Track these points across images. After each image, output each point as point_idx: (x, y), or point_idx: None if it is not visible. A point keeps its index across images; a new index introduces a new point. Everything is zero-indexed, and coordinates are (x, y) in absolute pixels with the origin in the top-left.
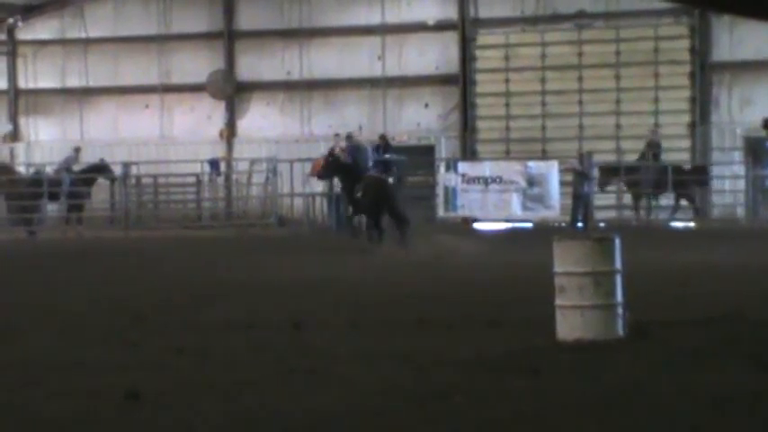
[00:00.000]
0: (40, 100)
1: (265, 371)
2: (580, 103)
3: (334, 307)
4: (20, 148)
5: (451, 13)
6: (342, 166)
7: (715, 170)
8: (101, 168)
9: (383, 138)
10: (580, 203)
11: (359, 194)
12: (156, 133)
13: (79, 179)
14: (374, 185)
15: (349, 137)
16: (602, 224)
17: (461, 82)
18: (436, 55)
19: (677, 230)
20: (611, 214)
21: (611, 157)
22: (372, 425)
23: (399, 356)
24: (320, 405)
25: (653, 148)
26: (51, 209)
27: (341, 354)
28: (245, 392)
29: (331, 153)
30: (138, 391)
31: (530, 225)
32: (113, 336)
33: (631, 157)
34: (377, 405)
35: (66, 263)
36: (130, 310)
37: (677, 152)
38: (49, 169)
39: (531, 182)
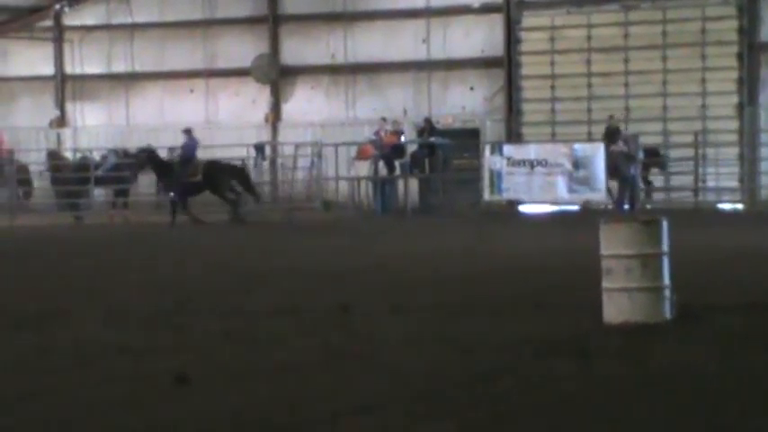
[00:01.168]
0: (86, 85)
1: (312, 355)
2: (626, 85)
3: (380, 291)
4: (66, 133)
5: None
6: (155, 160)
7: (764, 151)
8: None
9: (428, 121)
10: (626, 186)
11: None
12: (202, 118)
13: (126, 164)
14: (212, 172)
15: (187, 131)
16: (648, 206)
17: (506, 65)
18: (481, 37)
19: (725, 213)
20: (659, 196)
21: (657, 140)
22: (418, 409)
23: (445, 340)
24: (366, 389)
25: (612, 136)
26: (98, 194)
27: (387, 338)
28: (291, 377)
29: (147, 149)
30: (187, 376)
31: (576, 208)
32: (160, 320)
33: (679, 139)
34: (423, 389)
35: (113, 248)
36: (177, 295)
37: (725, 134)
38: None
39: (577, 164)
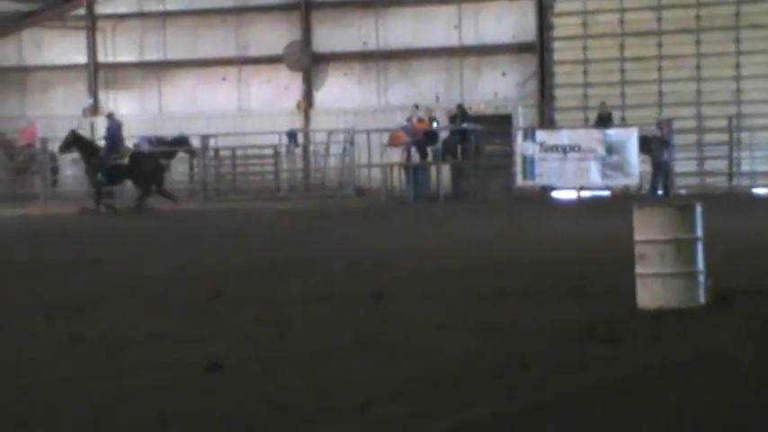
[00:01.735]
0: (119, 74)
1: (346, 342)
2: (660, 69)
3: (414, 277)
4: (100, 121)
5: None
6: (81, 142)
7: None
8: (180, 142)
9: (460, 107)
10: (660, 171)
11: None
12: (234, 105)
13: (160, 152)
14: (140, 159)
15: (110, 115)
16: (682, 191)
17: (539, 50)
18: (513, 23)
19: (759, 197)
20: (693, 181)
21: (691, 124)
22: (453, 395)
23: (479, 327)
24: (400, 376)
25: (604, 122)
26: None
27: (421, 324)
28: (325, 364)
29: (73, 130)
30: (220, 363)
31: (608, 193)
32: (195, 307)
33: (713, 123)
34: (456, 376)
35: (147, 235)
36: (211, 282)
37: (760, 118)
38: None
39: (610, 149)
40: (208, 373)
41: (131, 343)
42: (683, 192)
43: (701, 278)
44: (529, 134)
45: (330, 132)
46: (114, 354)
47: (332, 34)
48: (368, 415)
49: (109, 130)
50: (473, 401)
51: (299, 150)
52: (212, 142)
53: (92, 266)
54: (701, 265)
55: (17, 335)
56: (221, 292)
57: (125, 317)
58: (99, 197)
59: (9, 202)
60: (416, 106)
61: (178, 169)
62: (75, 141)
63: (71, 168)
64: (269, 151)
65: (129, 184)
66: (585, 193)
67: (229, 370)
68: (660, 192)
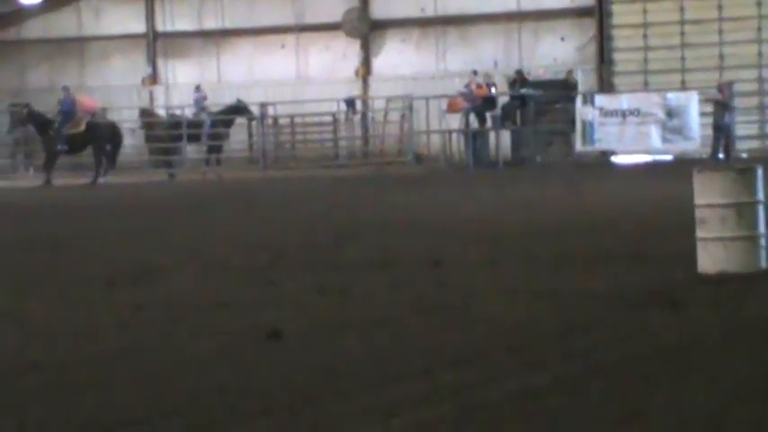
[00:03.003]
0: (177, 42)
1: (405, 309)
2: (720, 31)
3: (473, 243)
4: (158, 90)
5: None
6: (34, 116)
7: None
8: (239, 109)
9: (519, 73)
10: (721, 135)
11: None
12: (292, 73)
13: (218, 120)
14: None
15: (64, 88)
16: (744, 154)
17: (598, 14)
18: None
19: None
20: (755, 144)
21: (752, 87)
22: (514, 360)
23: (539, 292)
24: (461, 342)
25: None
26: (190, 150)
27: (480, 290)
28: (385, 330)
29: (26, 105)
30: (280, 330)
31: (669, 158)
32: (254, 275)
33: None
34: (518, 341)
35: (206, 204)
36: (271, 250)
37: None
38: (187, 112)
39: (671, 113)
40: (267, 340)
41: (191, 311)
42: (744, 155)
43: (763, 242)
44: (588, 99)
45: (388, 99)
46: (174, 322)
47: (390, 0)
48: (429, 381)
49: (63, 103)
50: (534, 366)
51: (357, 117)
52: (271, 110)
53: (152, 235)
54: (762, 228)
55: (79, 304)
56: (281, 258)
57: (185, 285)
58: (51, 166)
59: (70, 171)
60: (475, 72)
61: (236, 137)
62: (28, 117)
63: (130, 138)
64: (327, 119)
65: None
66: (646, 158)
67: (289, 337)
68: (721, 155)
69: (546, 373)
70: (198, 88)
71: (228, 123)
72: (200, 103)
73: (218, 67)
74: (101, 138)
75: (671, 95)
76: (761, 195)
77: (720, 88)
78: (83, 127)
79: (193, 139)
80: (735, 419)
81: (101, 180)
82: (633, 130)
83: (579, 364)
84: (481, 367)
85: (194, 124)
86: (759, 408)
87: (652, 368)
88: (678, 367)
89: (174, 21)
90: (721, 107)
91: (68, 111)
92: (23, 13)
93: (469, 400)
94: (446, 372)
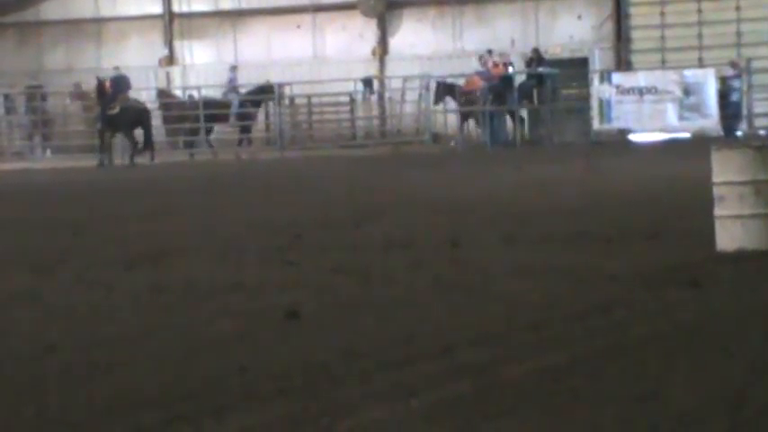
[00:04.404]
0: (194, 23)
1: (424, 289)
2: (738, 8)
3: (491, 223)
4: (175, 71)
5: None
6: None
7: None
8: (267, 89)
9: (536, 51)
10: (729, 112)
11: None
12: (309, 53)
13: (247, 101)
14: (130, 111)
15: (116, 68)
16: (762, 132)
17: None
18: None
19: None
20: None
21: None
22: (532, 340)
23: (558, 271)
24: (479, 321)
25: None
26: (218, 131)
27: (499, 270)
28: (404, 311)
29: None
30: (298, 311)
31: (687, 135)
32: (272, 256)
33: None
34: (536, 320)
35: (224, 184)
36: (289, 230)
37: None
38: (205, 92)
39: (688, 91)
40: (286, 320)
41: (210, 292)
42: (762, 132)
43: None
44: (605, 77)
45: (405, 79)
46: (193, 303)
47: None
48: (447, 360)
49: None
50: (553, 345)
51: (374, 97)
52: (288, 90)
53: (170, 216)
54: None
55: (96, 287)
56: (299, 239)
57: (204, 266)
58: (102, 147)
59: (89, 152)
60: (489, 51)
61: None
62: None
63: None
64: (344, 99)
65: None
66: (663, 136)
67: (307, 318)
68: (738, 132)
69: (565, 352)
70: (233, 68)
71: (257, 104)
72: (233, 83)
73: (235, 48)
74: (129, 121)
75: (688, 73)
76: None
77: (733, 65)
78: (117, 110)
79: (222, 119)
80: (754, 398)
81: (139, 160)
82: (650, 108)
83: (598, 342)
84: (500, 346)
85: (223, 105)
86: None
87: (671, 347)
88: (697, 345)
89: (191, 1)
90: (727, 84)
91: (116, 90)
92: None
93: (488, 380)
94: (465, 351)
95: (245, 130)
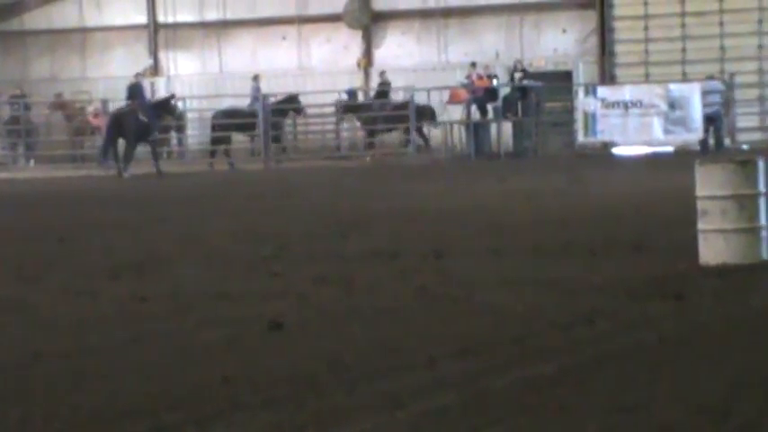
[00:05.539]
0: (179, 34)
1: (409, 299)
2: (721, 24)
3: (476, 234)
4: (160, 82)
5: None
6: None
7: None
8: (290, 100)
9: (520, 64)
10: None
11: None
12: (294, 65)
13: (275, 110)
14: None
15: (137, 75)
16: (744, 146)
17: (599, 6)
18: None
19: None
20: (756, 136)
21: (753, 79)
22: (517, 351)
23: (543, 282)
24: (465, 332)
25: (383, 86)
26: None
27: (484, 281)
28: (389, 321)
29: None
30: (282, 321)
31: (670, 149)
32: (257, 265)
33: None
34: (521, 331)
35: (209, 194)
36: (274, 240)
37: None
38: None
39: (673, 105)
40: (270, 331)
41: (194, 301)
42: (745, 147)
43: (764, 234)
44: (590, 90)
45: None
46: (177, 312)
47: None
48: (433, 371)
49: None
50: (538, 356)
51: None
52: (272, 101)
53: (155, 225)
54: (763, 220)
55: (82, 295)
56: (284, 249)
57: (188, 276)
58: (153, 156)
59: (70, 162)
60: (473, 64)
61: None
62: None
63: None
64: (329, 110)
65: None
66: (647, 150)
67: (291, 328)
68: (721, 146)
69: (550, 363)
70: (255, 78)
71: (284, 114)
72: (256, 93)
73: (220, 59)
74: (133, 130)
75: (673, 87)
76: (762, 187)
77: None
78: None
79: (249, 128)
80: (738, 409)
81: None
82: (636, 122)
83: (583, 354)
84: (485, 357)
85: (249, 114)
86: (762, 397)
87: (656, 358)
88: (682, 357)
89: (176, 12)
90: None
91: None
92: (25, 4)
93: (474, 390)
94: (450, 362)
95: (276, 139)
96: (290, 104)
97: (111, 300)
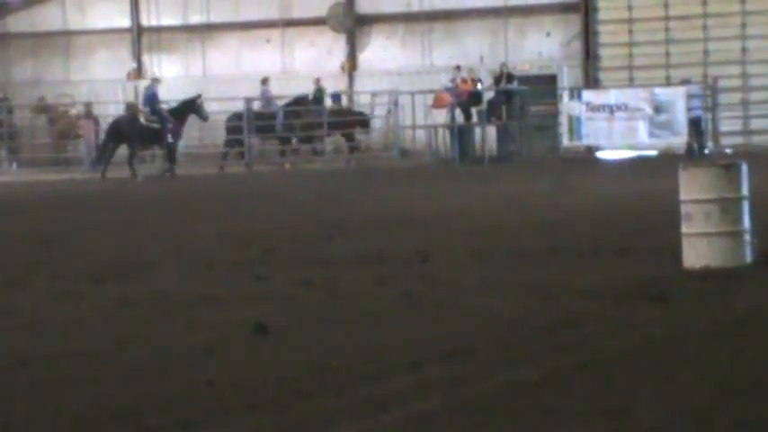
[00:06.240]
0: (162, 37)
1: (394, 303)
2: (704, 27)
3: (461, 238)
4: (144, 85)
5: None
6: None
7: None
8: (300, 101)
9: (504, 66)
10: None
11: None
12: (278, 68)
13: (288, 112)
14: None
15: (153, 79)
16: (728, 150)
17: (583, 9)
18: None
19: None
20: (739, 140)
21: (736, 83)
22: (502, 355)
23: (528, 286)
24: (450, 336)
25: (319, 93)
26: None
27: (469, 285)
28: (373, 325)
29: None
30: (267, 324)
31: (654, 153)
32: (242, 269)
33: (758, 82)
34: (506, 335)
35: (193, 197)
36: (258, 244)
37: None
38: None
39: (658, 109)
40: (254, 334)
41: (180, 305)
42: (728, 151)
43: (747, 237)
44: (575, 94)
45: (374, 94)
46: (161, 317)
47: None
48: (417, 375)
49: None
50: (523, 360)
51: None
52: (256, 105)
53: (140, 228)
54: (746, 224)
55: (66, 300)
56: (269, 253)
57: (173, 279)
58: (170, 159)
59: (53, 165)
60: (458, 68)
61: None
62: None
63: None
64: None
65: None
66: (631, 153)
67: (276, 331)
68: (705, 150)
69: (534, 368)
70: (264, 80)
71: (297, 115)
72: (266, 95)
73: (204, 62)
74: (138, 134)
75: (659, 91)
76: (745, 191)
77: (684, 81)
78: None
79: (267, 130)
80: (722, 413)
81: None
82: (621, 126)
83: (568, 358)
84: (469, 362)
85: (268, 116)
86: (746, 401)
87: (640, 362)
88: (666, 361)
89: (160, 15)
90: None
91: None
92: (8, 7)
93: (458, 395)
94: (434, 366)
95: (288, 141)
96: (301, 105)
97: (95, 304)
